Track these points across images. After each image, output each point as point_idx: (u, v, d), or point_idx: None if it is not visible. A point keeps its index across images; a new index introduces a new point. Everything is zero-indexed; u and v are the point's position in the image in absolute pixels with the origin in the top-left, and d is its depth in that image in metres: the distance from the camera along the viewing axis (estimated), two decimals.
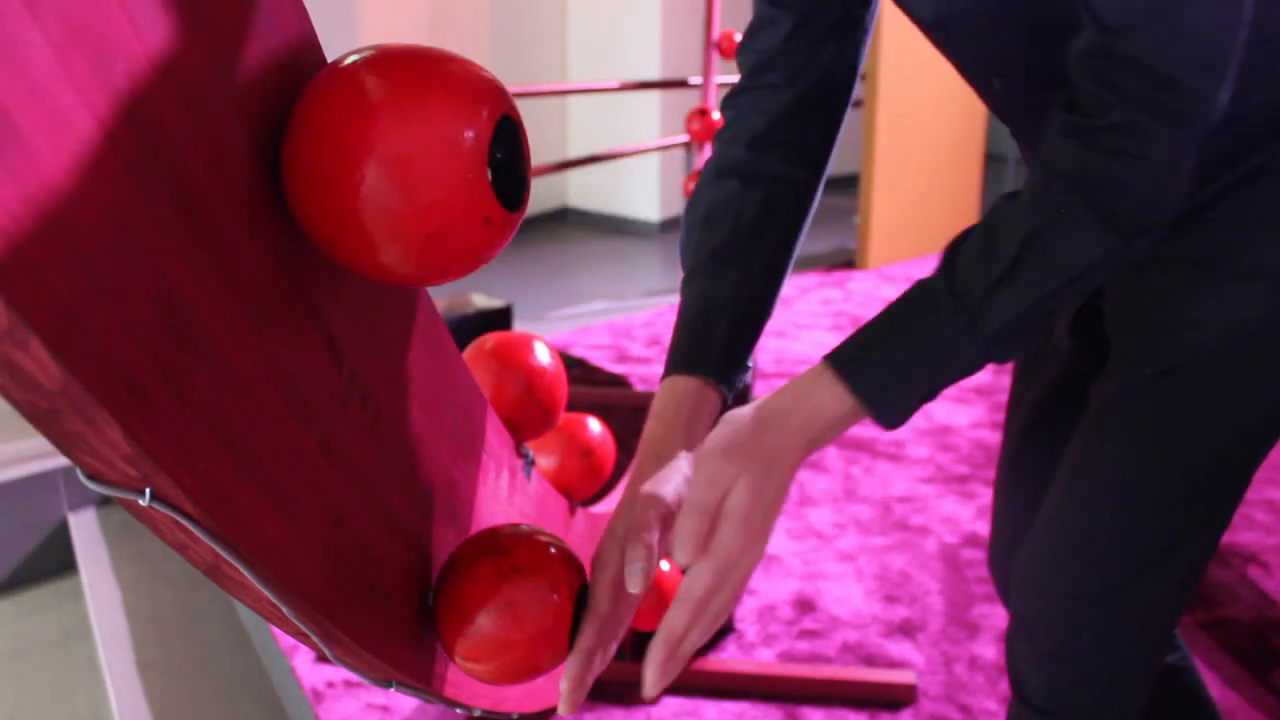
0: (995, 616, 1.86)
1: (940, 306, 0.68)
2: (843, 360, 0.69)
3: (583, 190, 5.46)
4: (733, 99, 0.90)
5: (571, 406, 1.10)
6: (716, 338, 0.82)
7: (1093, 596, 0.90)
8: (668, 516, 0.70)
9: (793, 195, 0.88)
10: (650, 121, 5.04)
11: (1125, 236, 0.67)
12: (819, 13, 0.87)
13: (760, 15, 0.90)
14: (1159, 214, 0.68)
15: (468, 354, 0.84)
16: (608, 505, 1.48)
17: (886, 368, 0.68)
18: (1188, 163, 0.68)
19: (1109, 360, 0.89)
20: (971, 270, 0.67)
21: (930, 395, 0.70)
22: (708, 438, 0.67)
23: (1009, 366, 1.09)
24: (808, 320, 3.66)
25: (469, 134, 0.44)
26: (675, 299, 3.45)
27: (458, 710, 0.74)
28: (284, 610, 0.49)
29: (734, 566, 0.64)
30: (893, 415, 0.69)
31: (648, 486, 0.71)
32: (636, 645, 1.72)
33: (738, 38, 3.07)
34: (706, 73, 3.10)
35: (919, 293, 0.70)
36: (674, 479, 0.73)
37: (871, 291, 4.05)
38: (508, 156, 0.48)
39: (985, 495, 2.32)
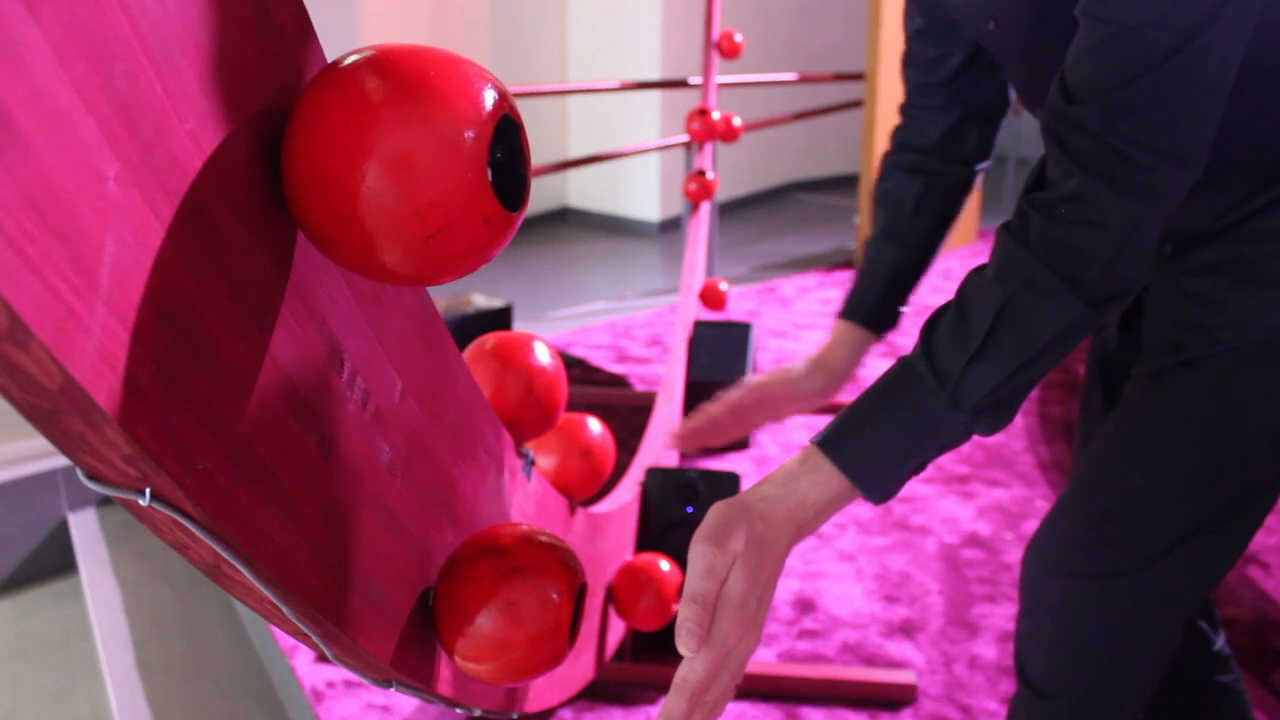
0: (995, 616, 1.86)
1: (922, 384, 0.70)
2: (830, 442, 0.71)
3: (583, 190, 5.46)
4: (906, 109, 1.09)
5: (571, 406, 1.10)
6: (873, 298, 1.07)
7: (1099, 578, 0.91)
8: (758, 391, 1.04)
9: (944, 187, 1.07)
10: (650, 121, 5.04)
11: (1093, 304, 0.70)
12: (942, 60, 1.02)
13: (916, 51, 1.05)
14: (1122, 280, 0.71)
15: (468, 354, 0.84)
16: (608, 505, 1.48)
17: (873, 447, 0.71)
18: (1149, 230, 0.70)
19: (1141, 352, 0.92)
20: (948, 346, 0.70)
21: (918, 469, 0.72)
22: (700, 527, 0.68)
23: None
24: (808, 320, 3.66)
25: (469, 134, 0.44)
26: (675, 299, 3.40)
27: (458, 710, 0.74)
28: (284, 610, 0.49)
29: (730, 654, 0.66)
30: (882, 492, 0.71)
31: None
32: (636, 645, 1.72)
33: (738, 38, 3.08)
34: (706, 73, 3.09)
35: (901, 371, 0.72)
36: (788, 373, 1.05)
37: None
38: (508, 156, 0.48)
39: (985, 495, 2.32)
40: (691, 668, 0.64)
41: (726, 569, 0.66)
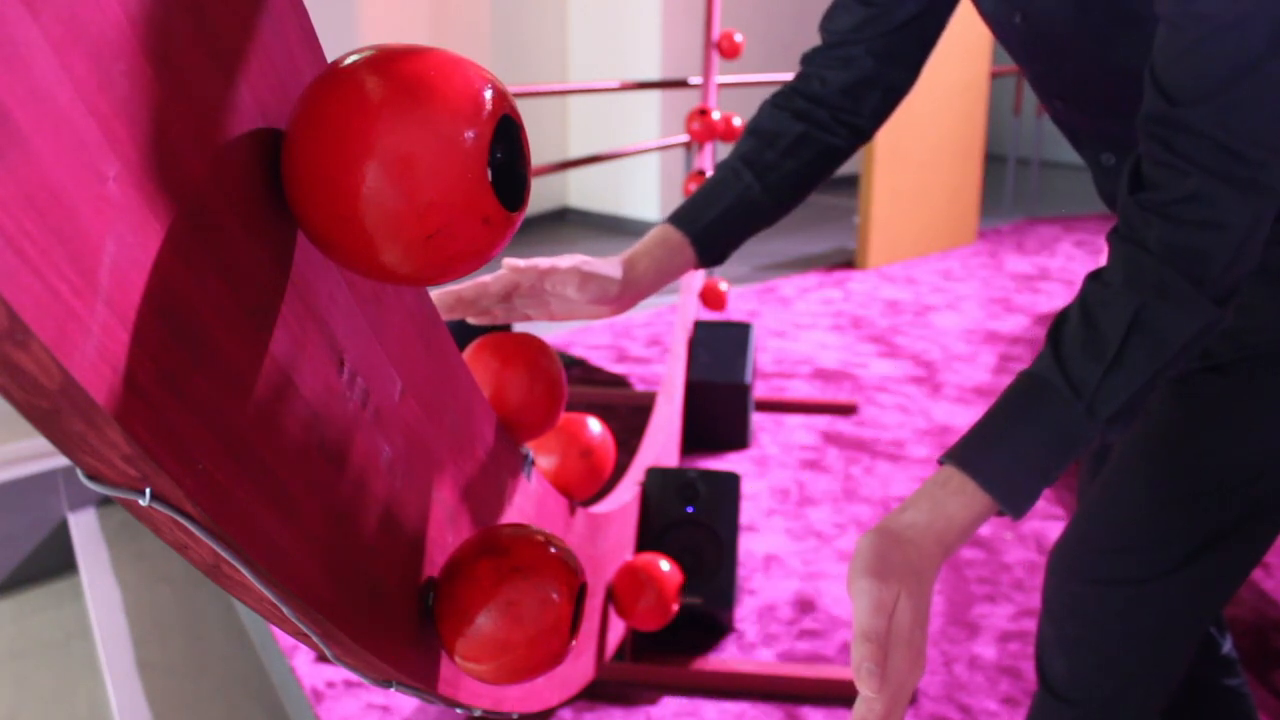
0: (995, 616, 1.86)
1: (1058, 396, 0.70)
2: (969, 462, 0.71)
3: (583, 190, 5.46)
4: (810, 57, 1.02)
5: (571, 406, 1.10)
6: (712, 214, 0.98)
7: (1126, 584, 0.91)
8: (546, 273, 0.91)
9: (826, 146, 0.99)
10: (650, 121, 5.04)
11: (1219, 301, 0.70)
12: (889, 12, 0.96)
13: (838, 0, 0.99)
14: (1241, 276, 0.71)
15: (468, 354, 0.84)
16: (608, 505, 1.48)
17: (1013, 463, 0.70)
18: (1266, 224, 0.70)
19: None
20: (1082, 357, 0.70)
21: (1053, 481, 0.71)
22: (853, 561, 0.68)
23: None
24: (808, 320, 3.66)
25: (469, 134, 0.44)
26: (675, 299, 3.39)
27: (458, 710, 0.74)
28: (284, 610, 0.49)
29: (904, 688, 0.65)
30: (1024, 507, 0.70)
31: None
32: (636, 645, 1.72)
33: (738, 38, 3.08)
34: (706, 73, 3.09)
35: (1031, 385, 0.72)
36: (563, 262, 0.92)
37: (871, 291, 4.05)
38: (508, 156, 0.48)
39: None
40: (870, 707, 0.63)
41: (893, 602, 0.65)
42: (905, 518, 0.69)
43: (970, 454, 0.71)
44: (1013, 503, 0.70)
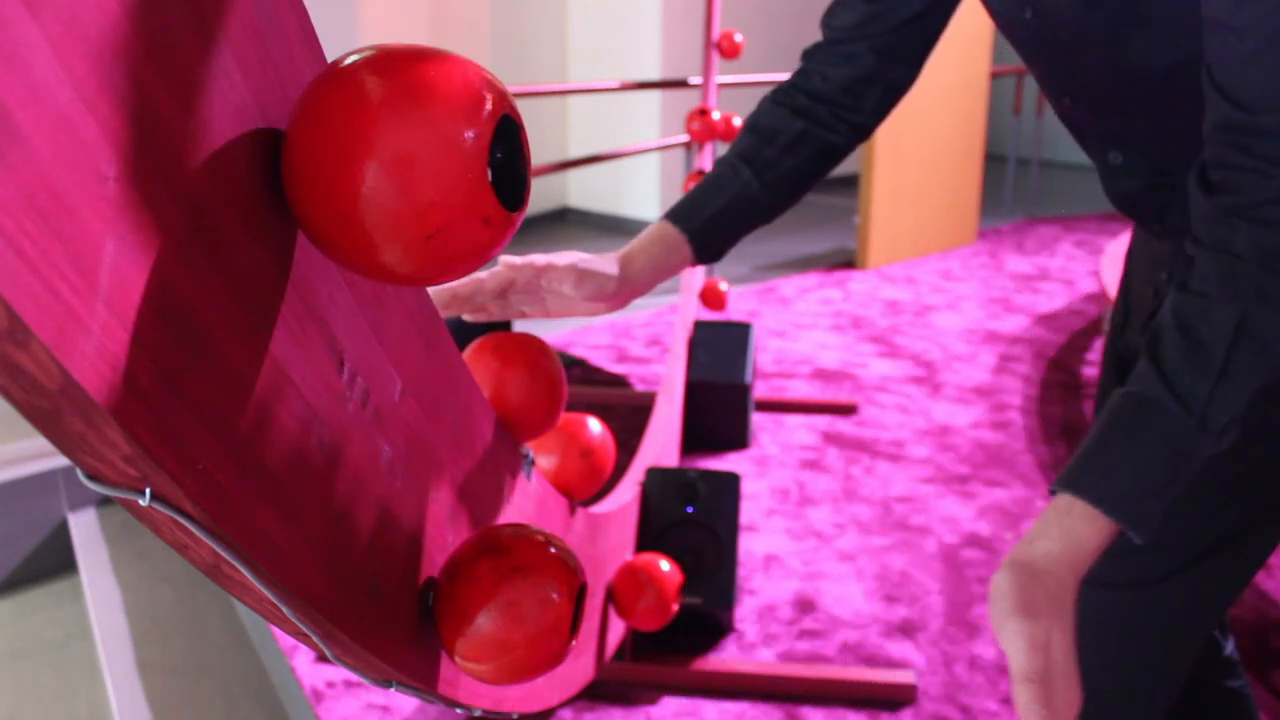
0: None
1: (1168, 414, 0.70)
2: (1089, 487, 0.70)
3: (583, 190, 5.46)
4: (811, 53, 1.01)
5: (571, 406, 1.10)
6: (709, 211, 0.97)
7: (1129, 587, 0.91)
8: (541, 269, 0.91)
9: (825, 143, 0.98)
10: (650, 121, 5.04)
11: None
12: (892, 9, 0.96)
13: None
14: None
15: (468, 354, 0.84)
16: (608, 505, 1.48)
17: (1135, 486, 0.70)
18: None
19: None
20: (1187, 372, 0.69)
21: (1172, 498, 0.71)
22: (994, 601, 0.67)
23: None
24: (808, 320, 3.66)
25: (469, 134, 0.44)
26: (675, 299, 3.40)
27: (458, 710, 0.74)
28: (284, 610, 0.49)
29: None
30: (1148, 526, 0.70)
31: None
32: (636, 645, 1.72)
33: (738, 38, 3.08)
34: (706, 73, 3.10)
35: (1138, 405, 0.71)
36: (563, 259, 0.91)
37: (871, 291, 4.05)
38: (508, 156, 0.48)
39: (985, 495, 2.32)
40: None
41: (1046, 639, 0.65)
42: (1038, 548, 0.69)
43: (1090, 480, 0.70)
44: (1139, 526, 0.70)
